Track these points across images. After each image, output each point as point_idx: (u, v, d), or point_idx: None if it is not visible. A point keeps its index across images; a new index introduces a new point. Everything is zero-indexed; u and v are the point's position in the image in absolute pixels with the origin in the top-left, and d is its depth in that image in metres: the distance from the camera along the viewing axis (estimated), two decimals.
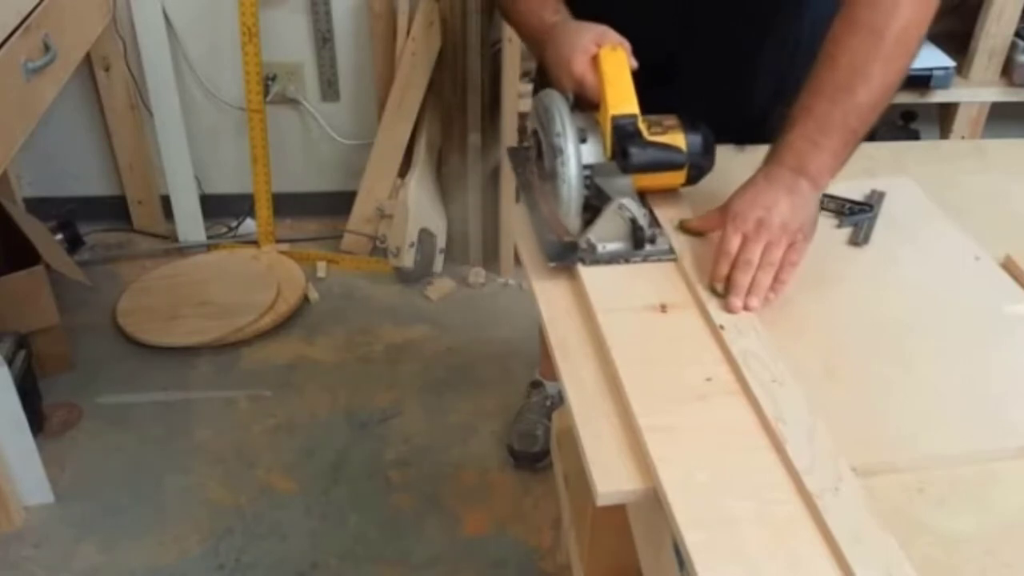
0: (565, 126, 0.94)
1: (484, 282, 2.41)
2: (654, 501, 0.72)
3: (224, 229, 2.55)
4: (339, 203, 2.50)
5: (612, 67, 0.98)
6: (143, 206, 2.53)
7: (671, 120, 1.01)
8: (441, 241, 2.39)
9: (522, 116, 2.14)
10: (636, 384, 0.81)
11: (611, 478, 0.73)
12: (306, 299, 2.32)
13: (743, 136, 1.18)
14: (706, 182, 1.04)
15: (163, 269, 2.40)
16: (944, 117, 2.24)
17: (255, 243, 2.47)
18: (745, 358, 0.82)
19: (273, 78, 2.37)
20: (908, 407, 0.81)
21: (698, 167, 1.01)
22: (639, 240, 0.95)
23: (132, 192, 2.51)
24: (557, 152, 0.94)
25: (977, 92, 2.16)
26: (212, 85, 2.40)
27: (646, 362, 0.83)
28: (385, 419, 1.98)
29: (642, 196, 1.00)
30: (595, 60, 0.99)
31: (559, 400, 1.89)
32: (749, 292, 0.88)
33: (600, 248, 0.96)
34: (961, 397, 0.83)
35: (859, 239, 1.03)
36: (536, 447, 1.84)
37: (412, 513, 1.76)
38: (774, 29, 1.16)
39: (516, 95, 2.13)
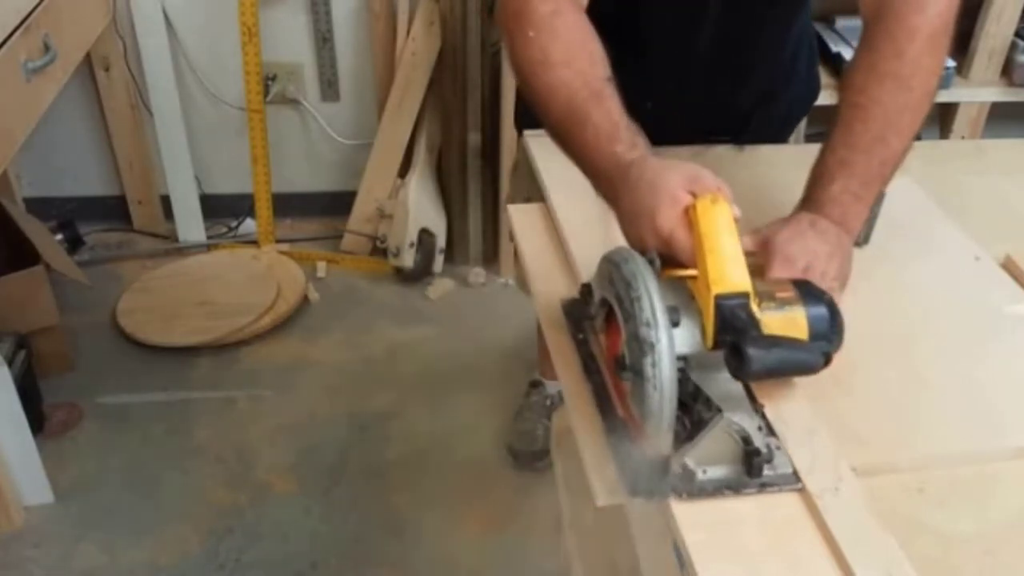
0: (656, 313, 0.68)
1: (484, 282, 2.41)
2: None
3: (224, 229, 2.55)
4: (339, 203, 2.50)
5: (713, 226, 0.74)
6: (143, 206, 2.53)
7: (785, 289, 0.77)
8: (441, 241, 2.39)
9: None
10: None
11: (610, 479, 0.73)
12: (306, 299, 2.32)
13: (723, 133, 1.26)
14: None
15: (163, 269, 2.40)
16: (944, 117, 2.24)
17: (255, 243, 2.47)
18: None
19: (273, 78, 2.37)
20: (908, 407, 0.81)
21: (826, 354, 0.74)
22: (755, 467, 0.71)
23: (132, 192, 2.51)
24: (646, 348, 0.68)
25: (977, 92, 2.16)
26: (212, 85, 2.40)
27: None
28: (385, 419, 1.98)
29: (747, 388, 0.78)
30: (688, 213, 0.76)
31: (559, 400, 1.89)
32: None
33: (700, 474, 0.71)
34: (961, 397, 0.83)
35: (859, 239, 1.03)
36: (536, 446, 1.84)
37: (412, 513, 1.76)
38: (765, 52, 1.24)
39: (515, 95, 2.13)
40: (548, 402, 1.88)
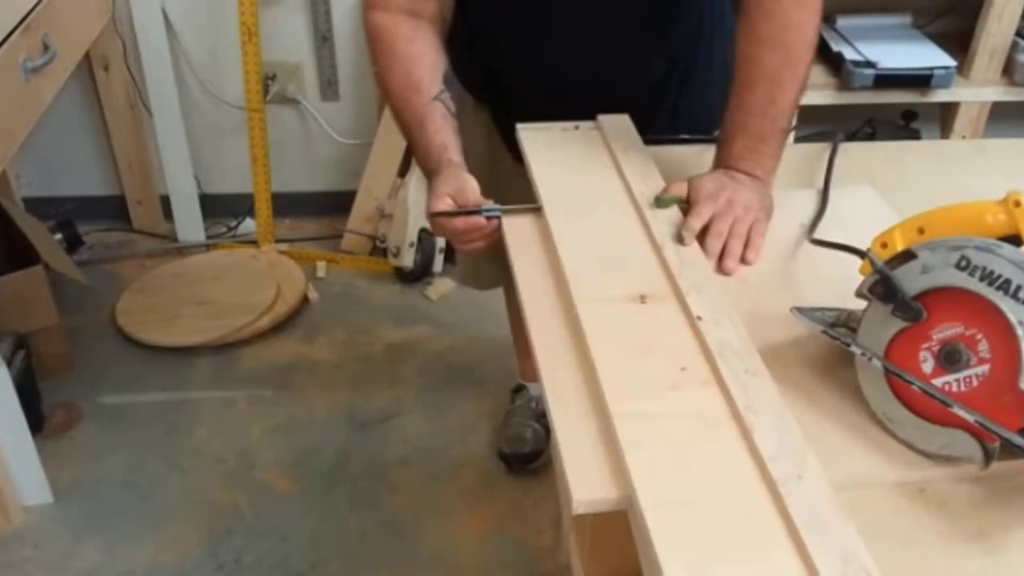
0: None
1: None
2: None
3: (223, 229, 2.55)
4: (339, 203, 2.50)
5: None
6: (142, 206, 2.53)
7: None
8: (441, 241, 2.39)
9: None
10: (611, 373, 0.80)
11: (592, 483, 0.73)
12: (306, 299, 2.31)
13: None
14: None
15: (162, 269, 2.40)
16: (945, 117, 2.24)
17: (254, 243, 2.47)
18: (720, 349, 0.82)
19: (273, 78, 2.37)
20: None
21: None
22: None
23: (131, 192, 2.51)
24: None
25: (978, 92, 2.16)
26: (212, 85, 2.40)
27: (622, 351, 0.83)
28: (385, 419, 1.98)
29: None
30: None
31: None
32: (724, 257, 0.96)
33: None
34: None
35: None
36: (527, 448, 1.84)
37: (412, 513, 1.76)
38: (649, 57, 1.23)
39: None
40: (533, 404, 1.88)
